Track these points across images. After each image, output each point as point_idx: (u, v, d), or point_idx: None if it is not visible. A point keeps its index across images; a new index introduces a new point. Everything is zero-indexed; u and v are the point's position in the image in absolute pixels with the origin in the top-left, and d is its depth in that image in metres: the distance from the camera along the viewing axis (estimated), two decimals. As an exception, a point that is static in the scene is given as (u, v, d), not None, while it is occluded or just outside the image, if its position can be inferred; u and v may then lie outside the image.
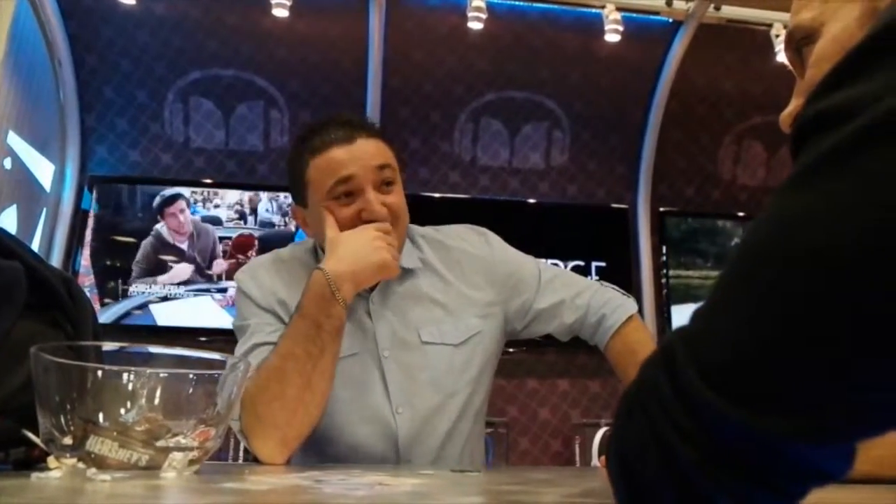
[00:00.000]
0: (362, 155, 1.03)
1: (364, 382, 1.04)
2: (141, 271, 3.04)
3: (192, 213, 3.14)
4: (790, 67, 0.63)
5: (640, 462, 0.35)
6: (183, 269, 3.07)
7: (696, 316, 0.36)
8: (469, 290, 1.12)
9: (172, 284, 3.06)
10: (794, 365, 0.31)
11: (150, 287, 3.04)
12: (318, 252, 1.12)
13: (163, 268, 3.07)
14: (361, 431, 1.03)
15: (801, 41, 0.60)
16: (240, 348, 1.03)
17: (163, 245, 3.09)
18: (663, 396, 0.34)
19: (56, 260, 2.95)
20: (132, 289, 3.02)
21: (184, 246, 3.10)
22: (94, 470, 0.59)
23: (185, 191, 3.15)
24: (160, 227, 3.10)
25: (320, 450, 1.03)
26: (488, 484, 0.71)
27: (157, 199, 3.11)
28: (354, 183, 1.02)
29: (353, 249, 0.98)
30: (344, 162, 1.02)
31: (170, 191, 3.13)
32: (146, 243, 3.08)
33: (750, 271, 0.34)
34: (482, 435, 1.14)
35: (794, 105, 0.61)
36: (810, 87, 0.62)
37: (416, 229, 1.17)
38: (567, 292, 1.13)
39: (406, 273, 1.10)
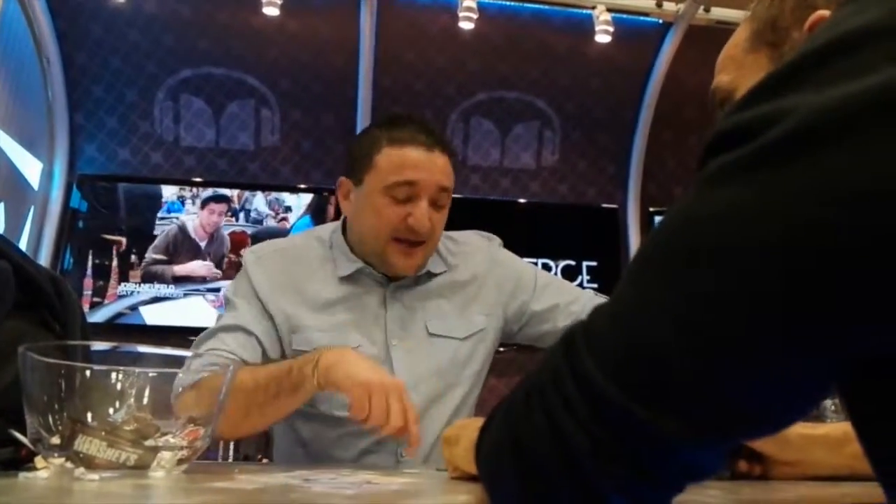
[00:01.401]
0: (434, 167, 1.05)
1: None
2: (156, 260, 3.04)
3: (178, 212, 3.13)
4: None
5: (534, 445, 0.36)
6: (199, 266, 3.08)
7: (601, 308, 0.37)
8: (475, 290, 1.15)
9: (176, 279, 3.05)
10: (691, 366, 0.32)
11: (140, 286, 3.02)
12: (333, 239, 1.13)
13: (178, 259, 3.07)
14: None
15: (720, 101, 0.65)
16: (218, 320, 1.06)
17: (184, 237, 3.09)
18: (563, 385, 0.35)
19: (44, 259, 2.93)
20: (121, 288, 3.01)
21: (202, 244, 3.11)
22: (82, 470, 0.59)
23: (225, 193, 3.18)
24: (189, 219, 3.11)
25: (320, 433, 1.04)
26: (475, 482, 0.71)
27: (208, 192, 3.15)
28: (416, 189, 1.04)
29: (365, 368, 0.89)
30: (416, 165, 1.04)
31: (221, 190, 3.17)
32: (168, 232, 3.08)
33: (653, 269, 0.35)
34: None
35: None
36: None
37: None
38: (562, 298, 1.17)
39: (428, 276, 1.13)
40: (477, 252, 1.20)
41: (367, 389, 0.84)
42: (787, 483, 0.75)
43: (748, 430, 0.35)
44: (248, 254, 1.11)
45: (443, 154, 1.07)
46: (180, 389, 0.94)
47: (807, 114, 0.31)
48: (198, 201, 3.16)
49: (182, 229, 3.11)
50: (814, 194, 0.30)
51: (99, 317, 2.95)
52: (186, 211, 3.14)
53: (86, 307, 2.90)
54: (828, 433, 0.76)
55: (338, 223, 1.17)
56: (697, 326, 0.32)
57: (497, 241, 1.25)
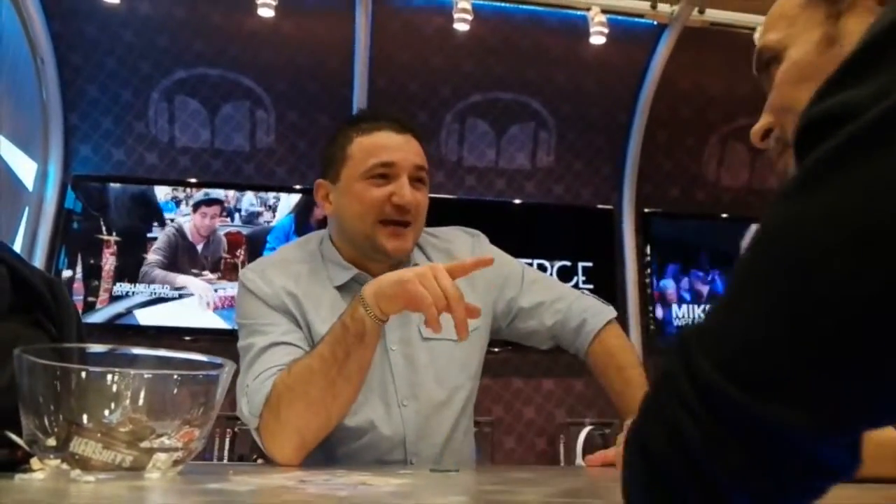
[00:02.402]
0: (408, 147, 1.08)
1: (374, 378, 1.05)
2: (159, 262, 3.05)
3: (172, 212, 3.13)
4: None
5: (656, 450, 0.36)
6: (196, 282, 3.07)
7: (711, 311, 0.38)
8: (466, 288, 1.14)
9: (175, 288, 3.06)
10: (803, 357, 0.32)
11: (135, 286, 3.02)
12: (322, 249, 1.13)
13: (178, 264, 3.07)
14: (371, 426, 1.04)
15: (768, 61, 0.62)
16: (252, 350, 1.01)
17: (182, 239, 3.10)
18: (679, 387, 0.35)
19: (38, 260, 2.92)
20: (116, 288, 3.00)
21: (199, 247, 3.12)
22: (77, 471, 0.59)
23: (218, 194, 3.19)
24: (184, 221, 3.11)
25: (330, 444, 1.03)
26: (469, 483, 0.72)
27: (199, 195, 3.15)
28: (394, 169, 1.05)
29: (402, 272, 0.94)
30: (390, 147, 1.06)
31: (214, 193, 3.17)
32: (168, 233, 3.08)
33: (756, 270, 0.35)
34: (472, 428, 1.17)
35: (763, 121, 0.63)
36: (776, 107, 0.64)
37: None
38: (548, 295, 1.17)
39: None
40: (461, 248, 1.19)
41: (420, 280, 0.89)
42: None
43: (870, 422, 0.34)
44: (247, 273, 1.08)
45: (413, 138, 1.10)
46: (257, 419, 0.93)
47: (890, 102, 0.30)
48: (192, 203, 3.16)
49: (180, 232, 3.11)
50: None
51: (94, 318, 2.94)
52: (180, 212, 3.14)
53: (80, 308, 2.90)
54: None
55: (323, 232, 1.17)
56: (810, 323, 0.32)
57: (482, 237, 1.24)
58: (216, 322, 3.05)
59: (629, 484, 0.39)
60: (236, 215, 3.18)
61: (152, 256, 3.06)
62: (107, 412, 0.65)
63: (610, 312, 1.16)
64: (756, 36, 3.14)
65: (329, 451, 1.04)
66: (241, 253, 3.14)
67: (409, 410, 1.06)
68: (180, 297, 3.06)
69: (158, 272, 3.05)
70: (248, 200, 3.20)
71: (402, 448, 1.05)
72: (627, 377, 1.09)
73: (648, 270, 3.49)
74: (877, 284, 0.30)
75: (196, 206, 3.14)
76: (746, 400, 0.33)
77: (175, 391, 0.69)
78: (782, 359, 0.33)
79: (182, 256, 3.09)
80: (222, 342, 2.80)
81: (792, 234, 0.34)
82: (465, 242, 1.21)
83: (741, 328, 0.35)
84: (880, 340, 0.31)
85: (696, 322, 0.38)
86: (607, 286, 3.32)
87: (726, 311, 0.36)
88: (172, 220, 3.11)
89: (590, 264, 3.40)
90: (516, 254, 1.25)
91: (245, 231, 3.17)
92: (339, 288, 1.09)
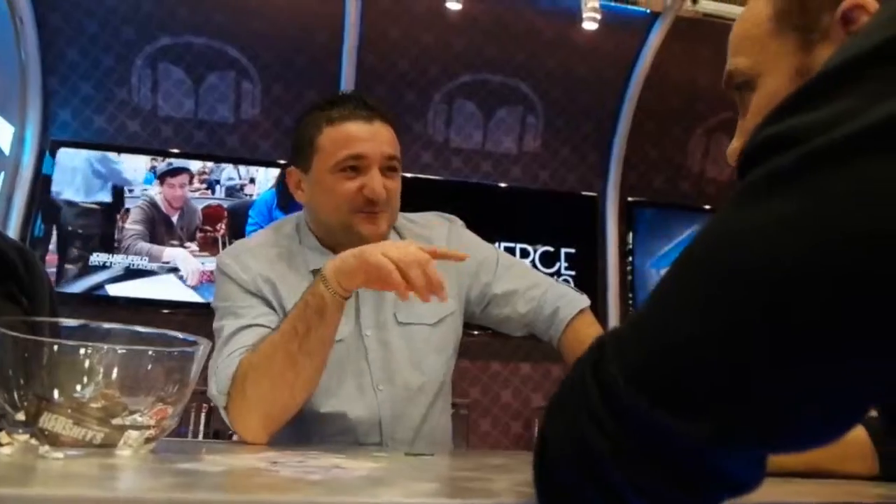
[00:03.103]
0: (377, 137, 1.06)
1: (349, 362, 1.06)
2: (140, 232, 3.01)
3: (150, 183, 3.08)
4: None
5: (560, 454, 0.36)
6: (179, 252, 3.03)
7: (629, 318, 0.37)
8: (441, 271, 1.14)
9: (153, 257, 3.02)
10: (713, 372, 0.32)
11: (112, 256, 2.98)
12: (299, 233, 1.12)
13: (156, 237, 3.03)
14: (346, 410, 1.04)
15: (737, 85, 0.62)
16: (225, 331, 1.01)
17: (157, 212, 3.05)
18: (587, 391, 0.35)
19: (13, 226, 2.86)
20: (93, 258, 2.96)
21: (174, 218, 3.07)
22: (46, 447, 0.58)
23: (194, 165, 3.13)
24: (156, 194, 3.06)
25: (306, 428, 1.04)
26: (443, 469, 0.72)
27: (163, 166, 3.08)
28: (365, 161, 1.04)
29: (360, 248, 0.94)
30: (359, 138, 1.04)
31: (178, 162, 3.10)
32: (142, 207, 3.04)
33: (683, 282, 0.35)
34: (449, 409, 1.18)
35: (738, 144, 0.63)
36: (751, 132, 0.64)
37: None
38: (521, 283, 1.17)
39: None
40: (438, 234, 1.19)
41: (380, 251, 0.89)
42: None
43: (779, 441, 0.34)
44: (224, 258, 1.08)
45: (384, 124, 1.08)
46: (225, 397, 0.94)
47: (855, 125, 0.30)
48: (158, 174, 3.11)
49: (153, 204, 3.06)
50: (855, 206, 0.29)
51: (69, 288, 2.90)
52: (157, 184, 3.09)
53: (55, 277, 2.85)
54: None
55: (299, 216, 1.16)
56: (727, 335, 0.32)
57: (458, 221, 1.24)
58: (194, 295, 3.02)
59: (534, 478, 0.39)
60: (217, 187, 3.14)
61: (132, 227, 3.01)
62: (78, 387, 0.64)
63: (583, 301, 1.17)
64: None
65: (304, 435, 1.04)
66: (221, 227, 3.10)
67: (384, 395, 1.07)
68: (158, 270, 3.02)
69: (143, 244, 3.01)
70: (227, 174, 3.16)
71: (378, 431, 1.06)
72: None
73: (630, 258, 3.52)
74: (824, 299, 0.30)
75: (161, 179, 3.09)
76: (650, 409, 0.32)
77: (149, 367, 0.68)
78: (698, 372, 0.32)
79: (159, 228, 3.05)
80: (200, 316, 2.77)
81: (734, 242, 0.33)
82: (442, 228, 1.21)
83: (660, 339, 0.34)
84: (810, 357, 0.31)
85: (615, 328, 0.38)
86: (589, 273, 3.34)
87: (648, 319, 0.36)
88: (145, 192, 3.06)
89: (572, 251, 3.42)
90: (500, 238, 1.26)
91: (226, 204, 3.13)
92: (316, 272, 1.09)
